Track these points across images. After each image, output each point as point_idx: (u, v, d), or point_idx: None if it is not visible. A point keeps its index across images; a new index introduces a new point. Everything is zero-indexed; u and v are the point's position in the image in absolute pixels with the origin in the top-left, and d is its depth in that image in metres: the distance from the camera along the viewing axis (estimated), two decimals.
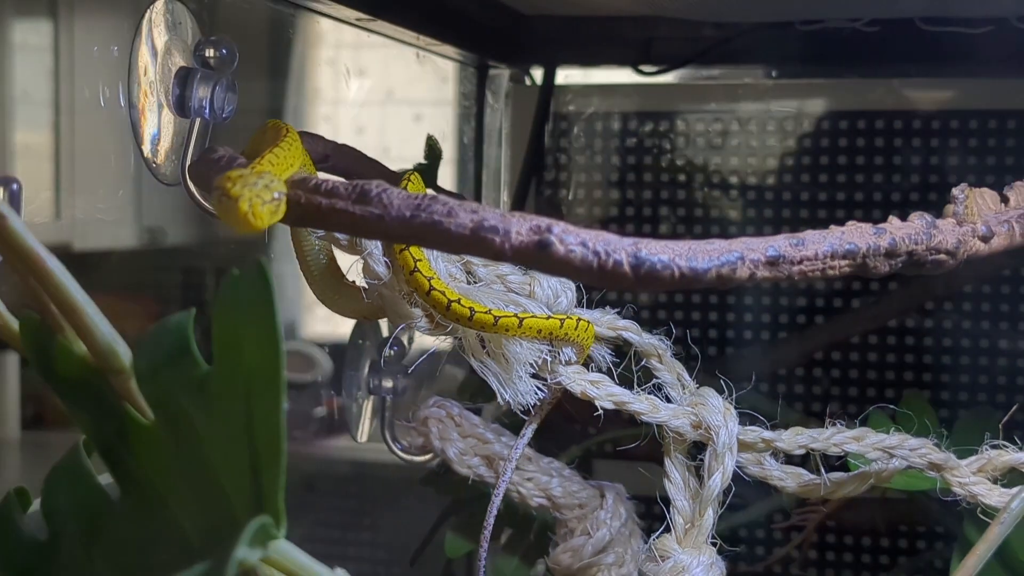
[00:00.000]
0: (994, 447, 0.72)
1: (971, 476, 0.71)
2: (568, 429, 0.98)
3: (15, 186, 0.45)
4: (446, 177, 1.18)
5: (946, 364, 1.04)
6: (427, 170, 0.89)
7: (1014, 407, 0.75)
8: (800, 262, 0.52)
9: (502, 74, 1.18)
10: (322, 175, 0.60)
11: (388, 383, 0.90)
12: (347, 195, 0.51)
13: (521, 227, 0.49)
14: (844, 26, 0.93)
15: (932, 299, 1.00)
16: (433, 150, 0.88)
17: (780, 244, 0.52)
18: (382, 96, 1.28)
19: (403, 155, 1.15)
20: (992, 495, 0.71)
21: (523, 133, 1.15)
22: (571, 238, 0.48)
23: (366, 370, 0.90)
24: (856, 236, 0.54)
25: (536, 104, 1.13)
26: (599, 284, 0.49)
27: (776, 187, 1.09)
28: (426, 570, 1.03)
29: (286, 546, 0.40)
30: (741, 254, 0.50)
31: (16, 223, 0.40)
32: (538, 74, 1.15)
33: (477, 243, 0.49)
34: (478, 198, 1.15)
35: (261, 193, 0.46)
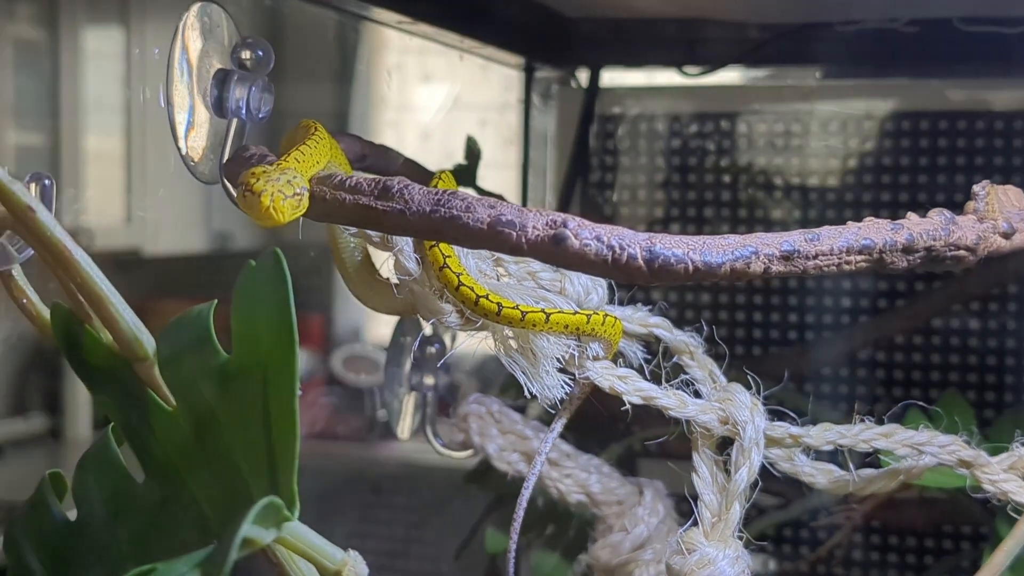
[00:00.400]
0: None
1: (1001, 473, 0.71)
2: (611, 427, 0.99)
3: (47, 182, 0.47)
4: (510, 182, 1.19)
5: (991, 365, 1.04)
6: (466, 171, 0.90)
7: None
8: (815, 257, 0.53)
9: (548, 76, 1.19)
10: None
11: (429, 380, 0.92)
12: (370, 191, 0.52)
13: (537, 221, 0.50)
14: (884, 26, 0.94)
15: (973, 299, 1.00)
16: (472, 151, 0.90)
17: (795, 239, 0.52)
18: (448, 102, 1.29)
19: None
20: (1022, 492, 0.71)
21: (569, 135, 1.16)
22: (586, 232, 0.50)
23: (408, 367, 0.92)
24: (872, 232, 0.54)
25: (581, 106, 1.14)
26: (614, 277, 0.50)
27: (821, 188, 1.09)
28: (471, 566, 1.04)
29: (300, 527, 0.42)
30: (755, 248, 0.51)
31: (45, 216, 0.42)
32: (583, 76, 1.16)
33: (494, 237, 0.50)
34: (524, 200, 1.16)
35: (283, 188, 0.48)
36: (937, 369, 1.06)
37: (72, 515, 0.47)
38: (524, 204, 1.13)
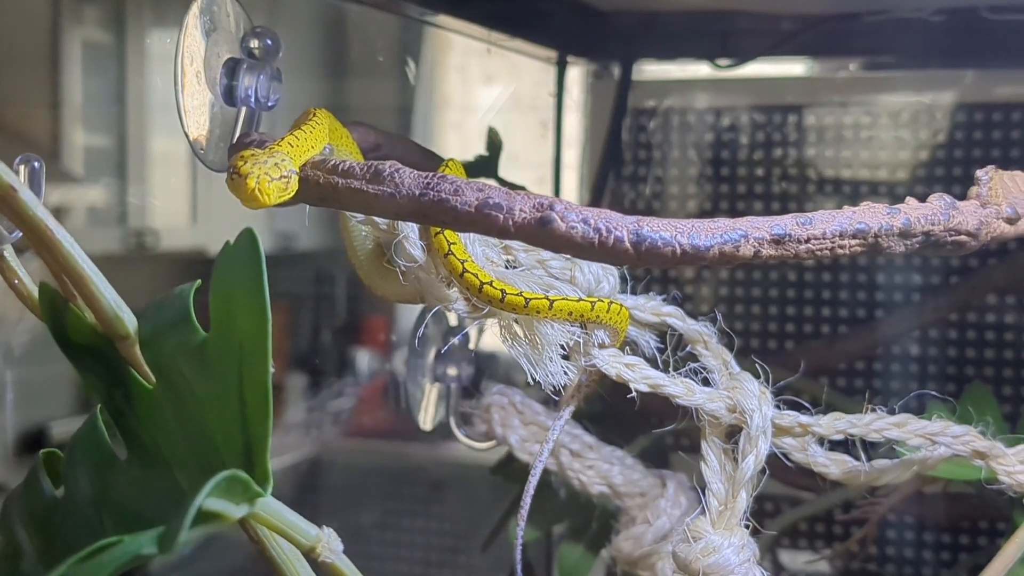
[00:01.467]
0: None
1: (1017, 464, 0.70)
2: (640, 422, 0.99)
3: (36, 164, 0.47)
4: (570, 181, 1.20)
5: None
6: (488, 162, 0.90)
7: None
8: (807, 241, 0.52)
9: (583, 70, 1.19)
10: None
11: (452, 371, 0.92)
12: (362, 175, 0.53)
13: (525, 204, 0.50)
14: (910, 16, 0.93)
15: (1001, 290, 0.99)
16: (493, 142, 0.90)
17: (786, 223, 0.52)
18: (510, 102, 1.30)
19: (530, 160, 1.18)
20: None
21: (602, 128, 1.16)
22: (573, 215, 0.50)
23: (431, 358, 0.92)
24: (867, 216, 0.54)
25: (614, 99, 1.14)
26: (602, 260, 0.50)
27: (854, 180, 1.08)
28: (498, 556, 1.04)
29: (273, 503, 0.42)
30: (745, 232, 0.51)
31: (27, 196, 0.43)
32: (616, 69, 1.16)
33: (482, 220, 0.50)
34: (556, 192, 1.17)
35: (270, 171, 0.49)
36: (971, 363, 1.05)
37: (61, 492, 0.48)
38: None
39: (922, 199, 0.56)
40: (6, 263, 0.48)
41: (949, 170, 1.05)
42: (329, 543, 0.43)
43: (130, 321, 0.45)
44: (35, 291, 0.49)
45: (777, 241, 0.52)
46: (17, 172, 0.46)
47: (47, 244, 0.43)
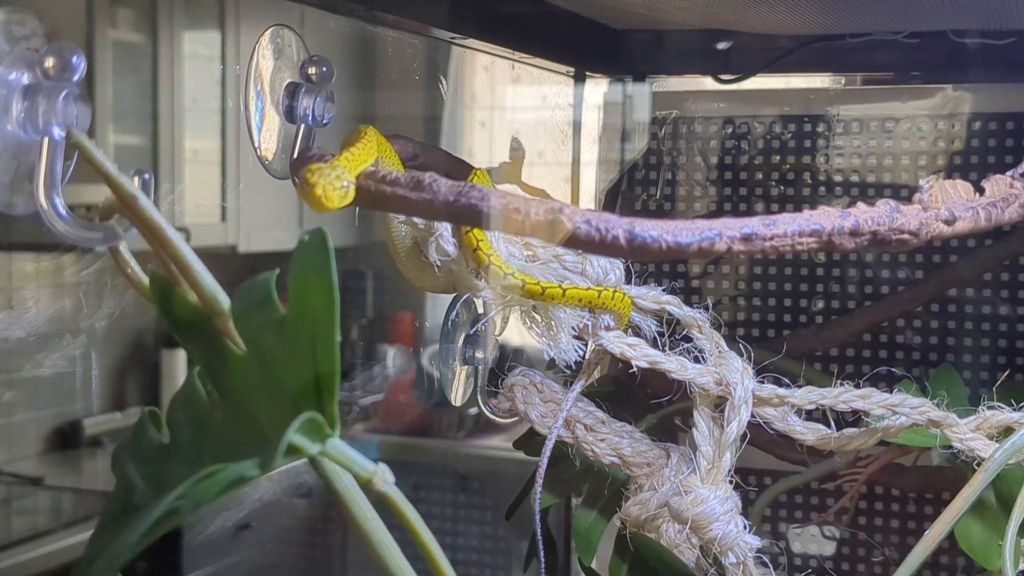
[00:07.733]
0: (990, 408, 0.82)
1: (969, 433, 0.81)
2: (649, 401, 1.09)
3: (147, 176, 0.59)
4: (590, 183, 1.31)
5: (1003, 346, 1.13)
6: (511, 168, 1.01)
7: (1006, 373, 0.84)
8: (771, 239, 0.63)
9: (599, 82, 1.30)
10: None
11: (480, 354, 1.03)
12: (406, 184, 0.64)
13: (539, 208, 0.61)
14: (889, 39, 1.04)
15: (966, 283, 1.09)
16: (516, 151, 1.01)
17: (754, 224, 0.63)
18: (537, 102, 1.40)
19: (558, 159, 1.29)
20: (987, 450, 0.81)
21: (617, 135, 1.27)
22: (578, 217, 0.61)
23: (461, 342, 1.03)
24: (822, 218, 0.65)
25: (624, 109, 1.25)
26: (602, 254, 0.61)
27: (845, 183, 1.19)
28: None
29: (339, 443, 0.54)
30: (719, 231, 0.62)
31: (145, 203, 0.55)
32: (629, 82, 1.27)
33: (504, 221, 0.62)
34: (575, 191, 1.28)
35: (332, 182, 0.60)
36: (938, 349, 1.14)
37: (166, 439, 0.60)
38: (576, 202, 1.25)
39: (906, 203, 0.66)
40: (121, 256, 0.60)
41: (933, 173, 1.15)
42: (384, 475, 0.55)
43: (225, 301, 0.56)
44: (143, 278, 0.60)
45: (746, 239, 0.63)
46: (133, 182, 0.57)
47: (160, 240, 0.55)
